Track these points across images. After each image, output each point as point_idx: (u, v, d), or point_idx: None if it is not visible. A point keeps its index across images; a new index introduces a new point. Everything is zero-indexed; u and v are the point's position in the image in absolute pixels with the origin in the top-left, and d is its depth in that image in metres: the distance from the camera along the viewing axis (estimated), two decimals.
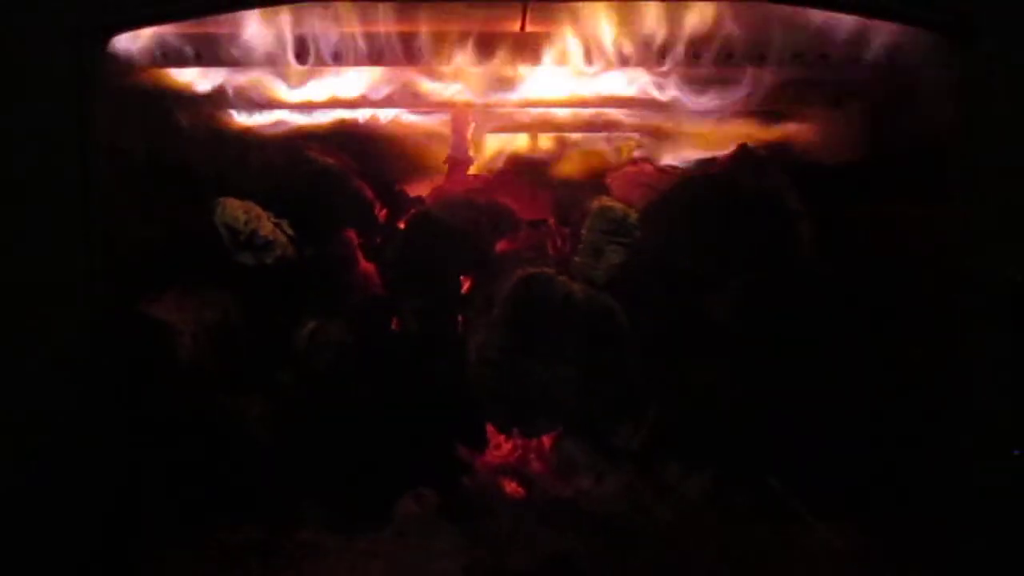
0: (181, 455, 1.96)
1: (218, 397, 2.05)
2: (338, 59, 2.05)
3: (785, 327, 2.08)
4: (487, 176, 2.34)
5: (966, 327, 1.79)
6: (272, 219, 2.16)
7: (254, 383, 2.10)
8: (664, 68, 2.09)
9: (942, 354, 1.85)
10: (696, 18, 2.00)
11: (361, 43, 2.03)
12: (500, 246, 2.26)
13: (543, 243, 2.27)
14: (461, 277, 2.26)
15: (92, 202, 1.74)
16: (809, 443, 2.02)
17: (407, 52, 2.06)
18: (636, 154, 2.35)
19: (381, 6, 1.97)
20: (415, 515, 2.02)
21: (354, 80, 2.19)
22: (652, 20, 2.01)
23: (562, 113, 2.36)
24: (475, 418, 2.16)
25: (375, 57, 2.06)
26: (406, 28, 2.04)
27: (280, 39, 2.01)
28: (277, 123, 2.29)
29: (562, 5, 1.99)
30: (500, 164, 2.37)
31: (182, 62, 2.04)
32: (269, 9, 1.94)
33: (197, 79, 2.16)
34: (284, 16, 1.97)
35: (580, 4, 1.99)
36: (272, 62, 2.04)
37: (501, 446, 2.24)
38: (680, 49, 2.03)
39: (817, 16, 2.00)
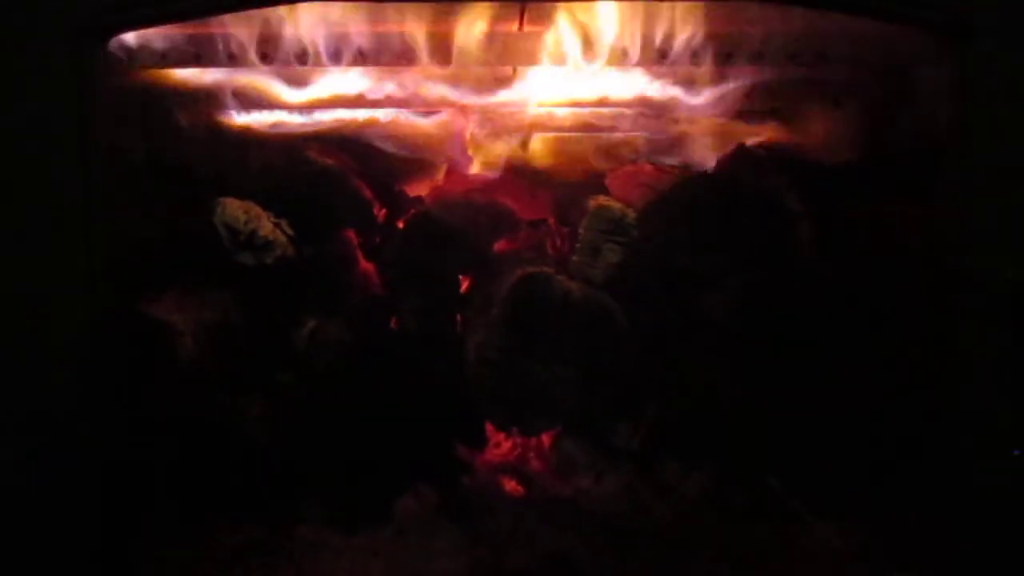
0: (181, 455, 1.96)
1: (218, 397, 2.04)
2: (337, 59, 2.05)
3: (784, 326, 2.08)
4: (486, 176, 2.33)
5: (965, 327, 1.80)
6: (272, 219, 2.16)
7: (254, 383, 2.10)
8: (662, 68, 2.10)
9: (941, 354, 1.85)
10: (694, 18, 2.00)
11: (360, 43, 2.04)
12: (499, 246, 2.26)
13: (542, 243, 2.27)
14: (460, 277, 2.26)
15: (92, 202, 1.74)
16: (809, 443, 2.03)
17: (406, 52, 2.07)
18: (635, 154, 2.35)
19: (380, 6, 1.97)
20: (415, 514, 2.01)
21: (353, 80, 2.19)
22: (650, 20, 2.01)
23: (560, 113, 2.36)
24: (474, 417, 2.15)
25: (374, 57, 2.06)
26: (405, 28, 2.04)
27: (279, 39, 2.01)
28: (277, 123, 2.29)
29: (561, 5, 2.00)
30: (499, 164, 2.37)
31: (182, 62, 2.04)
32: (268, 9, 1.95)
33: (197, 79, 2.16)
34: (283, 16, 1.97)
35: (579, 4, 1.99)
36: (271, 62, 2.04)
37: (500, 445, 2.23)
38: (678, 49, 2.03)
39: (815, 16, 2.01)
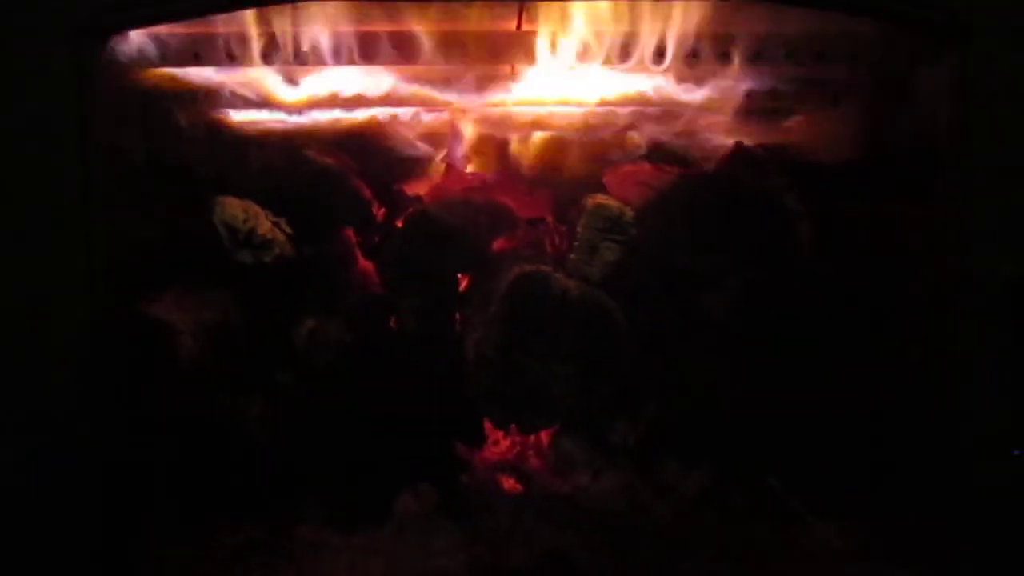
0: (181, 455, 1.96)
1: (218, 397, 2.05)
2: (336, 59, 2.05)
3: (783, 326, 2.08)
4: (485, 175, 2.34)
5: (965, 327, 1.80)
6: (270, 218, 2.16)
7: (254, 382, 2.10)
8: (660, 67, 2.10)
9: (941, 353, 1.85)
10: (692, 17, 2.00)
11: (359, 42, 2.04)
12: (498, 244, 2.26)
13: (541, 241, 2.28)
14: (459, 275, 2.26)
15: (92, 202, 1.74)
16: (808, 442, 2.03)
17: (405, 51, 2.07)
18: (633, 153, 2.35)
19: (379, 5, 1.97)
20: (414, 512, 2.02)
21: (352, 79, 2.19)
22: (648, 19, 2.02)
23: (559, 112, 2.36)
24: (473, 415, 2.15)
25: (373, 57, 2.06)
26: (405, 27, 2.04)
27: (278, 38, 2.02)
28: (276, 123, 2.29)
29: (559, 5, 2.00)
30: (497, 163, 2.37)
31: (182, 62, 2.04)
32: (268, 8, 1.95)
33: (197, 79, 2.16)
34: (282, 15, 1.98)
35: (577, 4, 1.99)
36: (270, 61, 2.04)
37: (499, 443, 2.24)
38: (677, 48, 2.04)
39: (815, 16, 2.01)
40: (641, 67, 2.11)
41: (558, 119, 2.37)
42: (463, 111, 2.33)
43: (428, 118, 2.38)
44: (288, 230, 2.18)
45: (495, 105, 2.32)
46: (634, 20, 2.02)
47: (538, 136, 2.40)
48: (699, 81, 2.17)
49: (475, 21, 2.06)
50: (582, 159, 2.36)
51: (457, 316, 2.23)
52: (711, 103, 2.22)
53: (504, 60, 2.16)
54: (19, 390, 1.74)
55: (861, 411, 2.02)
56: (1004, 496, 1.79)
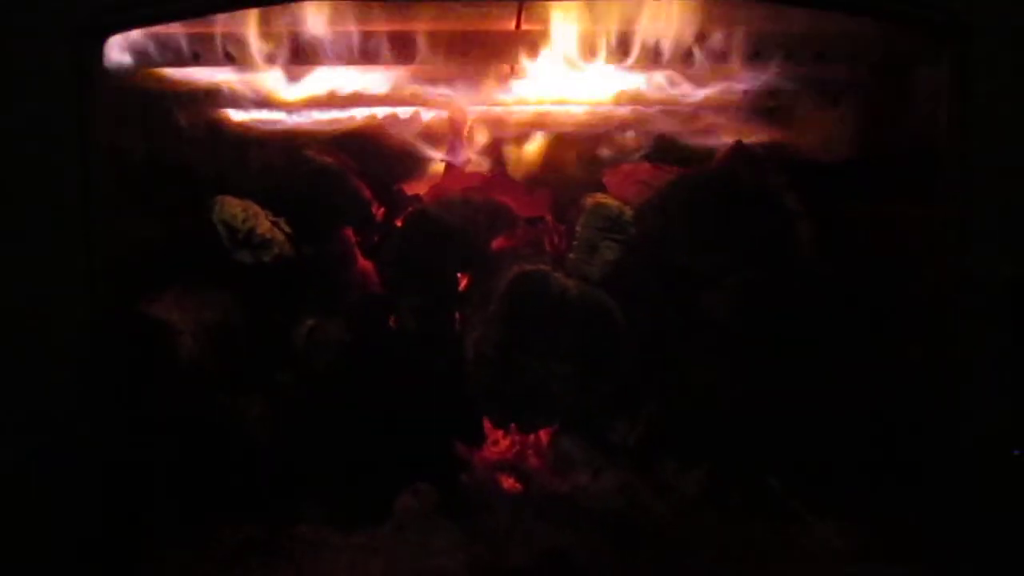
0: (181, 455, 1.96)
1: (218, 397, 2.05)
2: (335, 58, 2.05)
3: (782, 325, 2.08)
4: (484, 174, 2.34)
5: (965, 327, 1.80)
6: (270, 217, 2.16)
7: (253, 382, 2.10)
8: (660, 66, 2.10)
9: (941, 353, 1.85)
10: (691, 16, 2.00)
11: (359, 42, 2.04)
12: (497, 244, 2.26)
13: (540, 240, 2.28)
14: (458, 275, 2.26)
15: (92, 202, 1.74)
16: (808, 442, 2.03)
17: (404, 51, 2.07)
18: (632, 152, 2.36)
19: (379, 5, 1.97)
20: (414, 511, 2.02)
21: (351, 79, 2.20)
22: (647, 18, 2.02)
23: (557, 111, 2.37)
24: (473, 414, 2.15)
25: (372, 56, 2.06)
26: (404, 27, 2.04)
27: (277, 38, 2.02)
28: (275, 122, 2.29)
29: (558, 4, 2.00)
30: (497, 162, 2.37)
31: (181, 62, 2.04)
32: (267, 8, 1.95)
33: (196, 79, 2.17)
34: (281, 15, 1.98)
35: (576, 3, 1.99)
36: (270, 61, 2.04)
37: (499, 442, 2.24)
38: (675, 47, 2.04)
39: (814, 15, 2.01)
40: (640, 66, 2.11)
41: (557, 118, 2.38)
42: (462, 110, 2.33)
43: (427, 117, 2.38)
44: (287, 229, 2.18)
45: (494, 104, 2.33)
46: (633, 19, 2.02)
47: (537, 135, 2.41)
48: (698, 80, 2.18)
49: (474, 20, 2.06)
50: (581, 158, 2.37)
51: (456, 315, 2.23)
52: (710, 102, 2.23)
53: (503, 59, 2.15)
54: (19, 390, 1.73)
55: (861, 411, 2.03)
56: (1004, 496, 1.80)
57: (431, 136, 2.37)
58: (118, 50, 1.93)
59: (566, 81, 2.24)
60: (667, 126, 2.34)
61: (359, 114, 2.35)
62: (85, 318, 1.75)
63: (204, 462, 1.98)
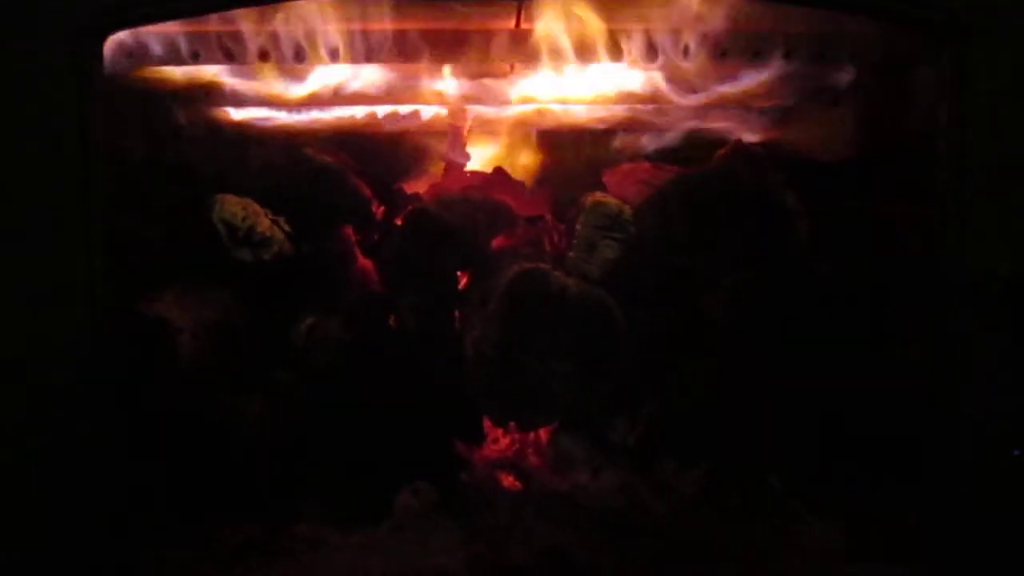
0: (181, 455, 1.96)
1: (218, 395, 2.05)
2: (335, 57, 2.05)
3: (781, 324, 2.08)
4: (484, 173, 2.33)
5: (965, 327, 1.80)
6: (270, 216, 2.16)
7: (253, 381, 2.10)
8: (659, 65, 2.10)
9: (941, 353, 1.85)
10: (690, 14, 2.00)
11: (358, 41, 2.04)
12: (497, 242, 2.26)
13: (540, 239, 2.28)
14: (458, 273, 2.25)
15: (92, 202, 1.74)
16: (807, 441, 2.04)
17: (404, 49, 2.07)
18: (632, 150, 2.36)
19: (378, 3, 1.97)
20: (413, 509, 2.02)
21: (351, 77, 2.19)
22: (647, 17, 2.02)
23: (557, 110, 2.37)
24: (472, 413, 2.16)
25: (372, 54, 2.06)
26: (403, 26, 2.04)
27: (277, 36, 2.01)
28: (275, 121, 2.29)
29: (557, 2, 2.00)
30: (497, 161, 2.37)
31: (181, 61, 2.04)
32: (266, 6, 1.95)
33: (197, 78, 2.17)
34: (281, 13, 1.97)
35: (575, 1, 1.99)
36: (269, 60, 2.04)
37: (498, 441, 2.24)
38: (674, 45, 2.04)
39: (813, 14, 2.01)
40: (640, 65, 2.12)
41: (557, 117, 2.38)
42: (462, 109, 2.33)
43: (427, 116, 2.38)
44: (287, 228, 2.18)
45: (494, 103, 2.33)
46: (632, 18, 2.02)
47: (537, 134, 2.41)
48: (697, 79, 2.18)
49: (474, 19, 2.06)
50: (580, 157, 2.36)
51: (456, 314, 2.23)
52: (709, 101, 2.23)
53: (503, 58, 2.15)
54: (19, 390, 1.73)
55: (860, 410, 2.03)
56: (1004, 496, 1.80)
57: (431, 135, 2.38)
58: (118, 50, 1.94)
59: (565, 79, 2.24)
60: (666, 125, 2.33)
61: (359, 112, 2.35)
62: (85, 318, 1.74)
63: (204, 461, 1.98)
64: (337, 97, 2.23)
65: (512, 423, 2.17)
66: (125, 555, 1.81)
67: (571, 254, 2.17)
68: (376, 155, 2.32)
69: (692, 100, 2.21)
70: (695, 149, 2.30)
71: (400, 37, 2.06)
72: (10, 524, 1.75)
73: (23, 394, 1.74)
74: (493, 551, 1.92)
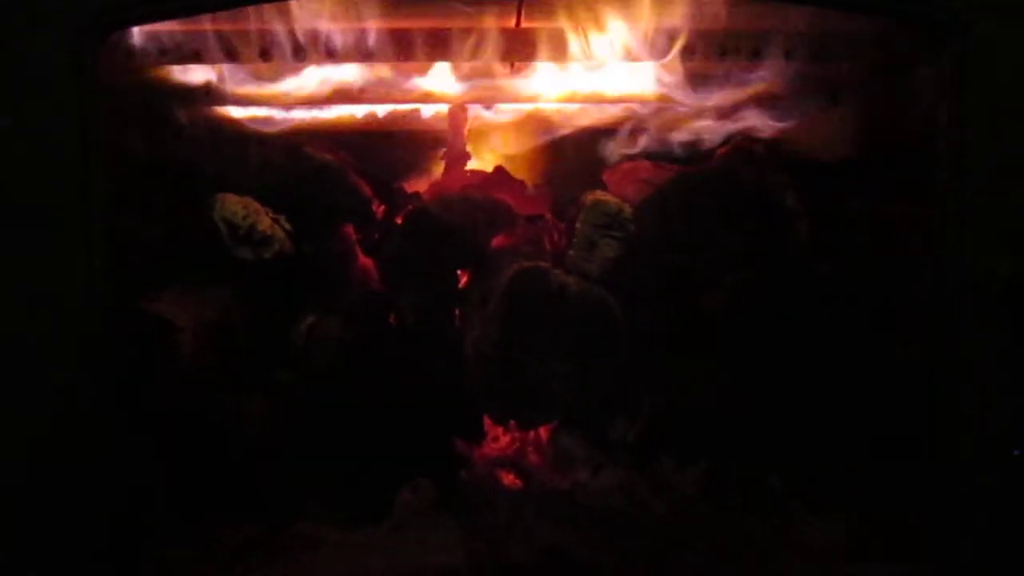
0: (181, 454, 1.96)
1: (219, 395, 2.06)
2: (334, 55, 2.05)
3: (781, 323, 2.09)
4: (484, 172, 2.34)
5: (965, 327, 1.80)
6: (270, 214, 2.17)
7: (253, 379, 2.11)
8: (658, 64, 2.10)
9: (941, 353, 1.85)
10: (690, 14, 2.00)
11: (359, 39, 2.03)
12: (497, 241, 2.26)
13: (540, 238, 2.28)
14: (458, 272, 2.26)
15: (92, 202, 1.73)
16: (807, 440, 2.04)
17: (404, 48, 2.07)
18: (632, 149, 2.36)
19: (379, 3, 1.97)
20: (413, 508, 2.02)
21: (352, 76, 2.19)
22: (646, 15, 2.02)
23: (557, 108, 2.37)
24: (472, 411, 2.16)
25: (372, 53, 2.06)
26: (403, 25, 2.05)
27: (277, 35, 2.01)
28: (276, 119, 2.29)
29: (557, 1, 2.00)
30: (497, 160, 2.37)
31: (182, 60, 2.04)
32: (266, 5, 1.94)
33: (197, 76, 2.17)
34: (281, 12, 1.97)
35: (575, 1, 1.99)
36: (270, 58, 2.04)
37: (498, 439, 2.24)
38: (674, 44, 2.04)
39: (813, 13, 2.01)
40: (639, 64, 2.12)
41: (556, 115, 2.38)
42: (462, 108, 2.33)
43: (427, 115, 2.38)
44: (288, 227, 2.18)
45: (494, 102, 2.33)
46: (632, 17, 2.02)
47: (537, 133, 2.40)
48: (697, 78, 2.18)
49: (474, 18, 2.06)
50: (581, 156, 2.36)
51: (456, 313, 2.24)
52: (709, 100, 2.22)
53: (503, 57, 2.15)
54: (19, 390, 1.73)
55: (860, 410, 2.03)
56: (1004, 496, 1.80)
57: (431, 134, 2.38)
58: (118, 50, 1.93)
59: (565, 78, 2.24)
60: (666, 123, 2.33)
61: (360, 111, 2.35)
62: (85, 318, 1.74)
63: (204, 461, 1.98)
64: (337, 96, 2.23)
65: (512, 421, 2.17)
66: (125, 555, 1.81)
67: (571, 253, 2.17)
68: (376, 154, 2.33)
69: (692, 99, 2.21)
70: (695, 147, 2.30)
71: (400, 36, 2.06)
72: (10, 524, 1.74)
73: (23, 394, 1.74)
74: (493, 549, 1.92)
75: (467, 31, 2.08)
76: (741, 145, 2.21)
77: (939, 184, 1.84)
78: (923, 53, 1.91)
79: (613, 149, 2.32)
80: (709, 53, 2.06)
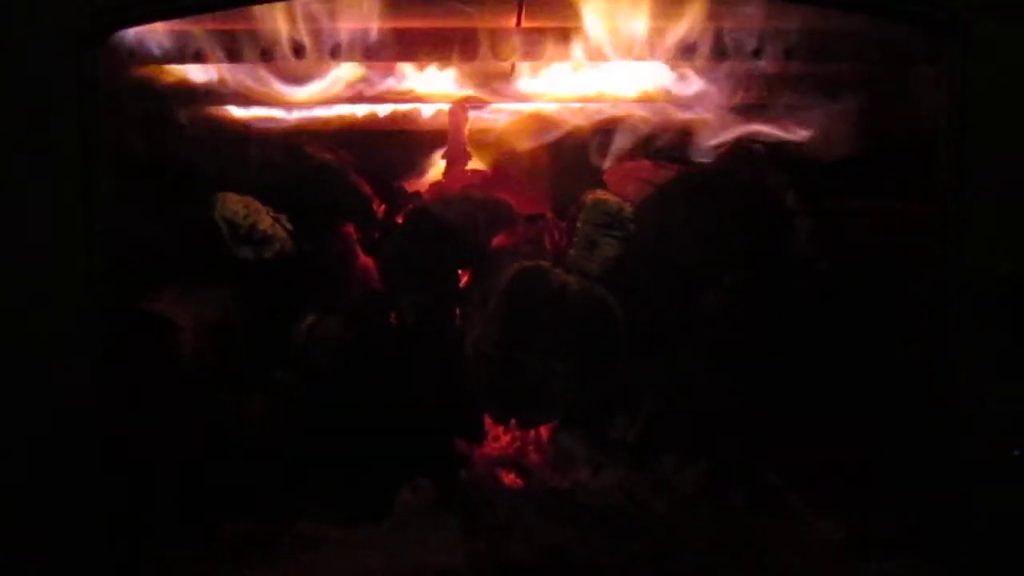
0: (182, 453, 1.96)
1: (219, 394, 2.06)
2: (335, 55, 2.05)
3: (781, 323, 2.09)
4: (484, 171, 2.34)
5: (965, 326, 1.80)
6: (271, 214, 2.17)
7: (254, 379, 2.11)
8: (658, 63, 2.10)
9: (941, 352, 1.85)
10: (689, 13, 2.00)
11: (359, 39, 2.03)
12: (497, 241, 2.26)
13: (540, 237, 2.28)
14: (458, 272, 2.26)
15: (92, 202, 1.73)
16: (807, 439, 2.04)
17: (404, 47, 2.07)
18: (632, 149, 2.36)
19: (379, 2, 1.97)
20: (413, 507, 2.02)
21: (352, 76, 2.19)
22: (646, 14, 2.01)
23: (557, 108, 2.37)
24: (473, 410, 2.16)
25: (372, 53, 2.06)
26: (403, 24, 2.05)
27: (278, 35, 2.01)
28: (276, 119, 2.29)
29: (557, 1, 2.00)
30: (497, 159, 2.37)
31: (182, 59, 2.04)
32: (266, 5, 1.94)
33: (197, 76, 2.17)
34: (282, 12, 1.97)
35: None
36: (270, 58, 2.04)
37: (499, 438, 2.25)
38: (674, 44, 2.04)
39: (813, 12, 2.01)
40: (640, 63, 2.12)
41: (556, 115, 2.38)
42: (462, 107, 2.33)
43: (427, 114, 2.38)
44: (288, 226, 2.18)
45: (494, 102, 2.33)
46: (632, 16, 2.02)
47: (537, 132, 2.40)
48: (697, 77, 2.18)
49: (474, 17, 2.06)
50: (581, 155, 2.36)
51: (456, 312, 2.24)
52: (709, 99, 2.22)
53: (503, 56, 2.15)
54: (19, 389, 1.73)
55: (860, 409, 2.03)
56: (1004, 495, 1.80)
57: (431, 133, 2.38)
58: (118, 50, 1.93)
59: (565, 77, 2.24)
60: (666, 123, 2.33)
61: (360, 111, 2.35)
62: (85, 318, 1.74)
63: (204, 461, 1.98)
64: (337, 95, 2.23)
65: (512, 421, 2.17)
66: (125, 555, 1.81)
67: (571, 252, 2.17)
68: (376, 154, 2.33)
69: (693, 98, 2.21)
70: (695, 147, 2.30)
71: (400, 35, 2.06)
72: (10, 524, 1.75)
73: (23, 394, 1.74)
74: (493, 549, 1.92)
75: (467, 31, 2.08)
76: (741, 145, 2.21)
77: (939, 184, 1.84)
78: (923, 52, 1.91)
79: (613, 149, 2.33)
80: (709, 52, 2.06)
